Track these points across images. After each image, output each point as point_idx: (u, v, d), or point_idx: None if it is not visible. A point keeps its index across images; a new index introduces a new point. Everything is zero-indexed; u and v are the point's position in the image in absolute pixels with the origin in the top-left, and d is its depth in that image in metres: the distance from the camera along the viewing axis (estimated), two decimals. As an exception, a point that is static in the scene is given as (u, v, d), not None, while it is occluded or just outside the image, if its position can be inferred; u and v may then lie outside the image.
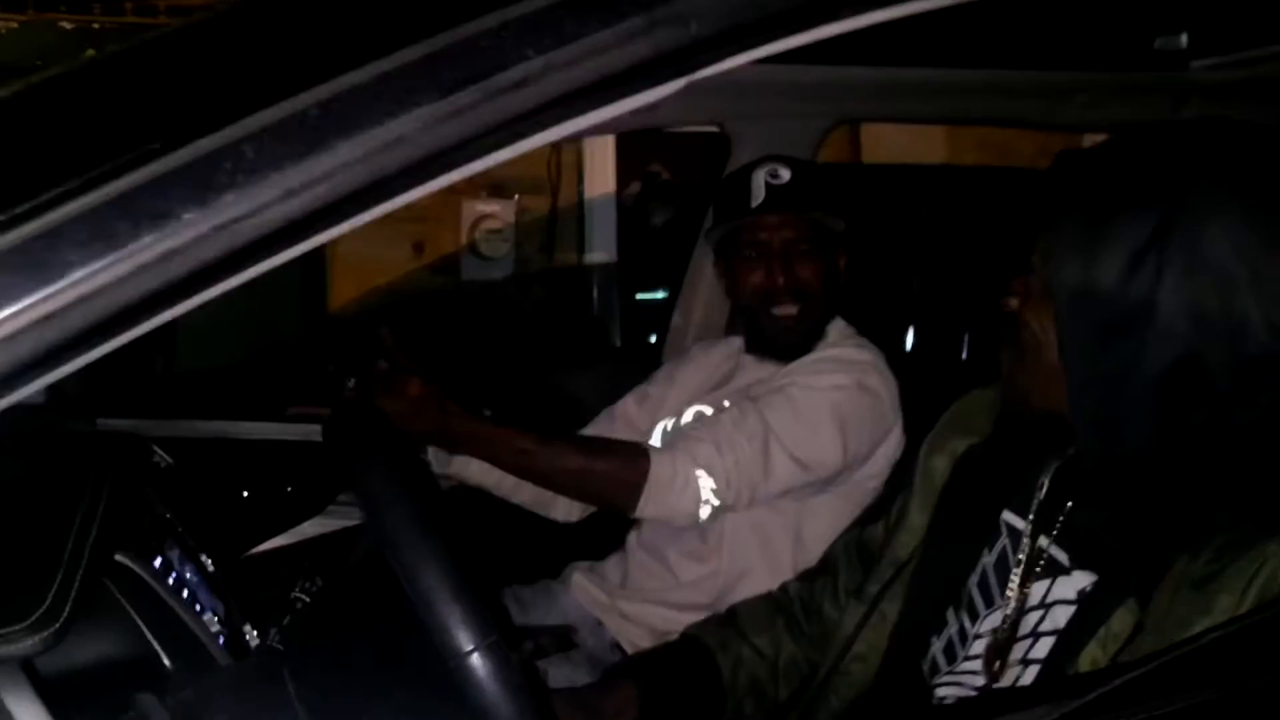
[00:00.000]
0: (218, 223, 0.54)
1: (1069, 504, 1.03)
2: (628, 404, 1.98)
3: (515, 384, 2.53)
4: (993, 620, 1.05)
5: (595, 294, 4.38)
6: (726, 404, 1.83)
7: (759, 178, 1.82)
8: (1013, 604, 1.03)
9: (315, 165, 0.56)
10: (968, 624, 1.08)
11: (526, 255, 4.36)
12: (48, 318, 0.53)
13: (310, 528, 2.07)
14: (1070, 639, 0.95)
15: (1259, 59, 1.97)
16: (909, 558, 1.17)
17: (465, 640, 0.78)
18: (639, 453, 1.67)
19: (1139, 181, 0.92)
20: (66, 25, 3.76)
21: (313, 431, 2.04)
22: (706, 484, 1.64)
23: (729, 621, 1.37)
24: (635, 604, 1.84)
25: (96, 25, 3.79)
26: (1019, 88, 2.08)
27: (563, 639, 1.76)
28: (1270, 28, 1.91)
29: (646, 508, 1.64)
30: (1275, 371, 0.88)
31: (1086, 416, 0.95)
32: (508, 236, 4.28)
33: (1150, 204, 0.90)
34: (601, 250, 4.41)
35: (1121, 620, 0.90)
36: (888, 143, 4.40)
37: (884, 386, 1.78)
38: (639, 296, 4.37)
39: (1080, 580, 0.99)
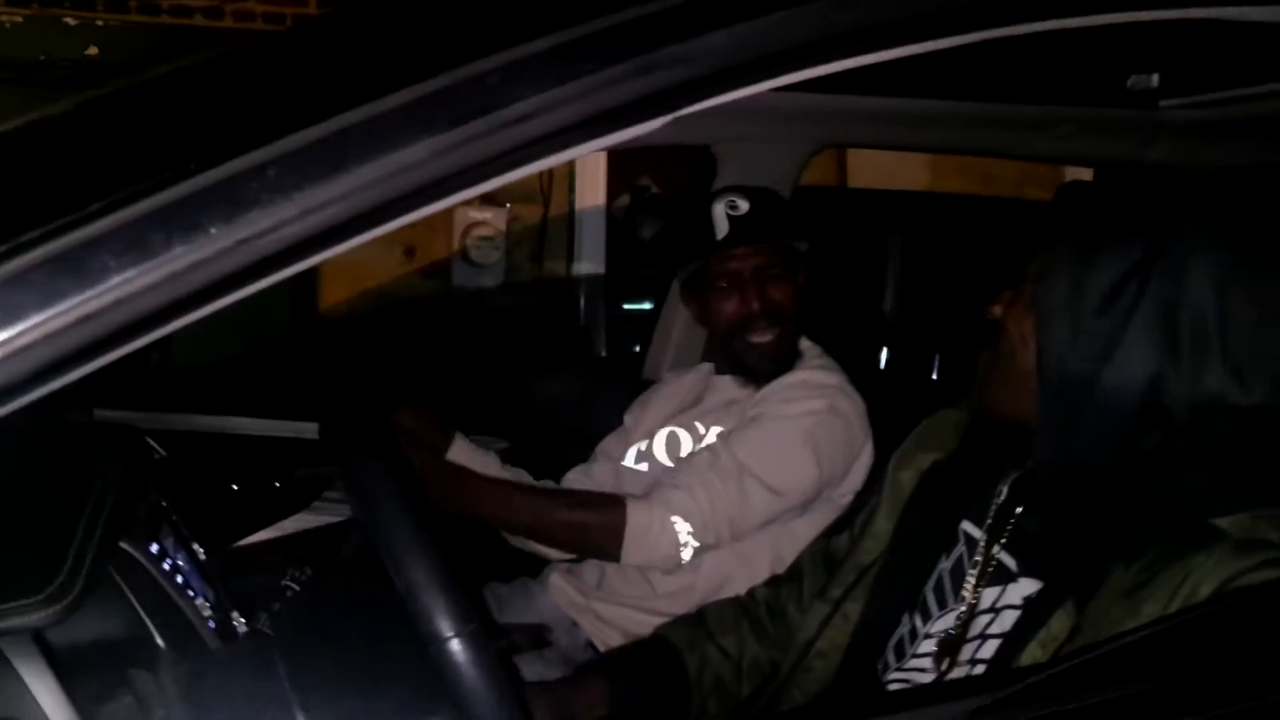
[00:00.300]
0: (241, 237, 0.60)
1: (1019, 510, 1.10)
2: (609, 440, 2.06)
3: (499, 390, 2.60)
4: (944, 622, 1.12)
5: (582, 303, 4.45)
6: (698, 425, 1.90)
7: (719, 211, 1.88)
8: (964, 607, 1.10)
9: (333, 187, 0.62)
10: (919, 624, 1.15)
11: (516, 263, 4.43)
12: (87, 318, 0.59)
13: (293, 523, 2.12)
14: (1014, 641, 1.02)
15: (1227, 101, 2.05)
16: (872, 562, 1.24)
17: (446, 627, 0.84)
18: (616, 505, 1.75)
19: (1131, 215, 1.00)
20: (70, 21, 3.81)
21: (300, 428, 2.10)
22: (684, 528, 1.73)
23: (697, 622, 1.43)
24: (611, 607, 1.90)
25: (100, 22, 3.84)
26: (998, 120, 2.15)
27: (537, 637, 1.82)
28: (1237, 72, 2.00)
29: (629, 556, 1.73)
30: (1225, 414, 0.95)
31: (1054, 425, 1.01)
32: (498, 244, 4.34)
33: (1138, 236, 0.98)
34: (590, 260, 4.48)
35: (1060, 622, 0.97)
36: (873, 167, 4.48)
37: (853, 408, 1.85)
38: (626, 307, 4.43)
39: (1027, 587, 1.06)
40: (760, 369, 1.89)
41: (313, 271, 4.24)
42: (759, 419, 1.82)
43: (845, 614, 1.23)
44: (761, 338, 1.88)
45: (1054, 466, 1.03)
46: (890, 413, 1.79)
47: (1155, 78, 2.08)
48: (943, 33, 0.77)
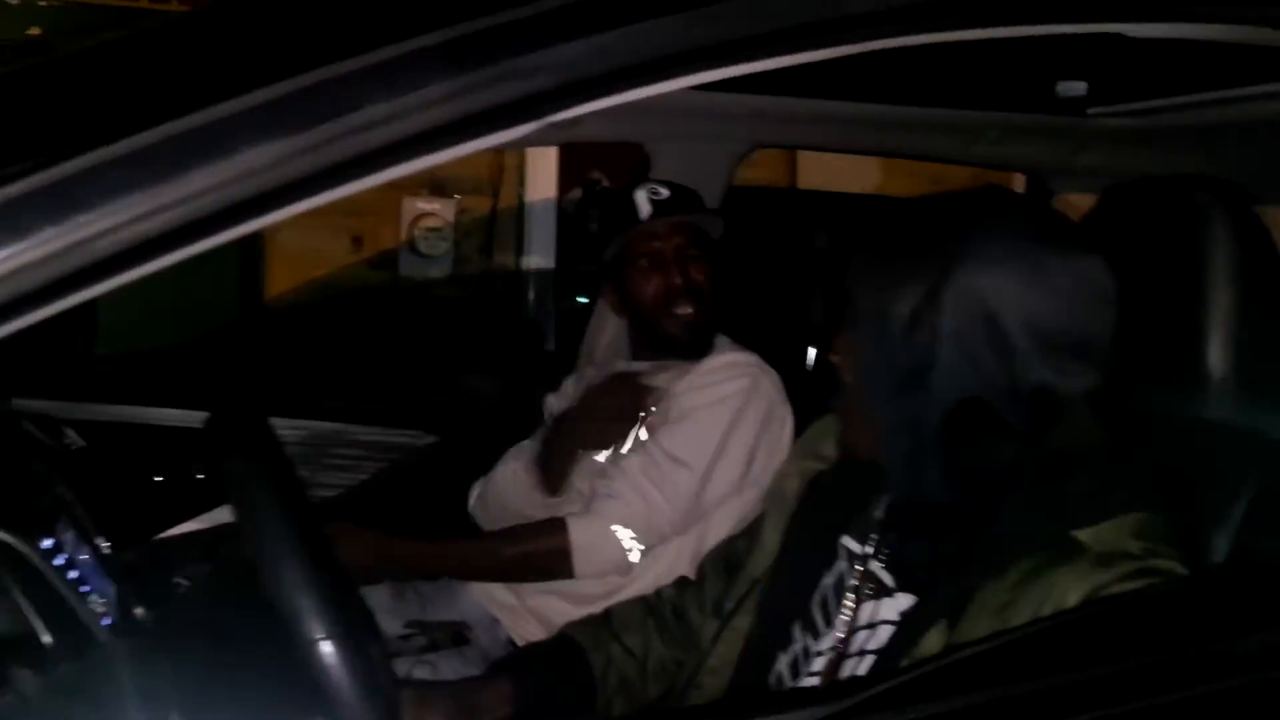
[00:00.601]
0: (74, 240, 0.59)
1: (895, 534, 1.11)
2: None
3: (431, 383, 2.59)
4: (831, 639, 1.12)
5: (531, 296, 4.44)
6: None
7: (641, 195, 1.94)
8: (845, 624, 1.11)
9: (171, 190, 0.62)
10: (810, 643, 1.15)
11: (465, 255, 4.40)
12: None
13: (218, 516, 2.10)
14: (888, 657, 1.02)
15: (1154, 110, 2.07)
16: (761, 575, 1.24)
17: (314, 629, 0.84)
18: (557, 528, 1.81)
19: (917, 248, 1.02)
20: (12, 1, 3.75)
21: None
22: (625, 534, 1.79)
23: (603, 622, 1.43)
24: (536, 596, 1.90)
25: (43, 2, 3.79)
26: (929, 124, 2.16)
27: (457, 634, 1.82)
28: (1165, 81, 2.02)
29: (582, 571, 1.80)
30: (1061, 409, 0.99)
31: (897, 462, 1.03)
32: (446, 235, 4.32)
33: (926, 267, 1.00)
34: (540, 254, 4.46)
35: (932, 641, 0.97)
36: (823, 167, 4.50)
37: (773, 383, 1.91)
38: (578, 300, 4.42)
39: (902, 602, 1.07)
40: (683, 341, 1.93)
41: (259, 259, 4.24)
42: (686, 413, 1.85)
43: (735, 628, 1.23)
44: (684, 309, 1.92)
45: (909, 501, 1.05)
46: (816, 412, 1.81)
47: (1083, 85, 2.11)
48: (799, 48, 0.77)
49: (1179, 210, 1.23)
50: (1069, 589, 0.90)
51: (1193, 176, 1.30)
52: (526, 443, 2.03)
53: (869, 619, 1.09)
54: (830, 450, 1.25)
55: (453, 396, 2.43)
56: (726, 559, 1.38)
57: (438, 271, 4.32)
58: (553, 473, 1.93)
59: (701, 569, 1.43)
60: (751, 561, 1.27)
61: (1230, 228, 1.18)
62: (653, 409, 1.89)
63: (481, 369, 2.63)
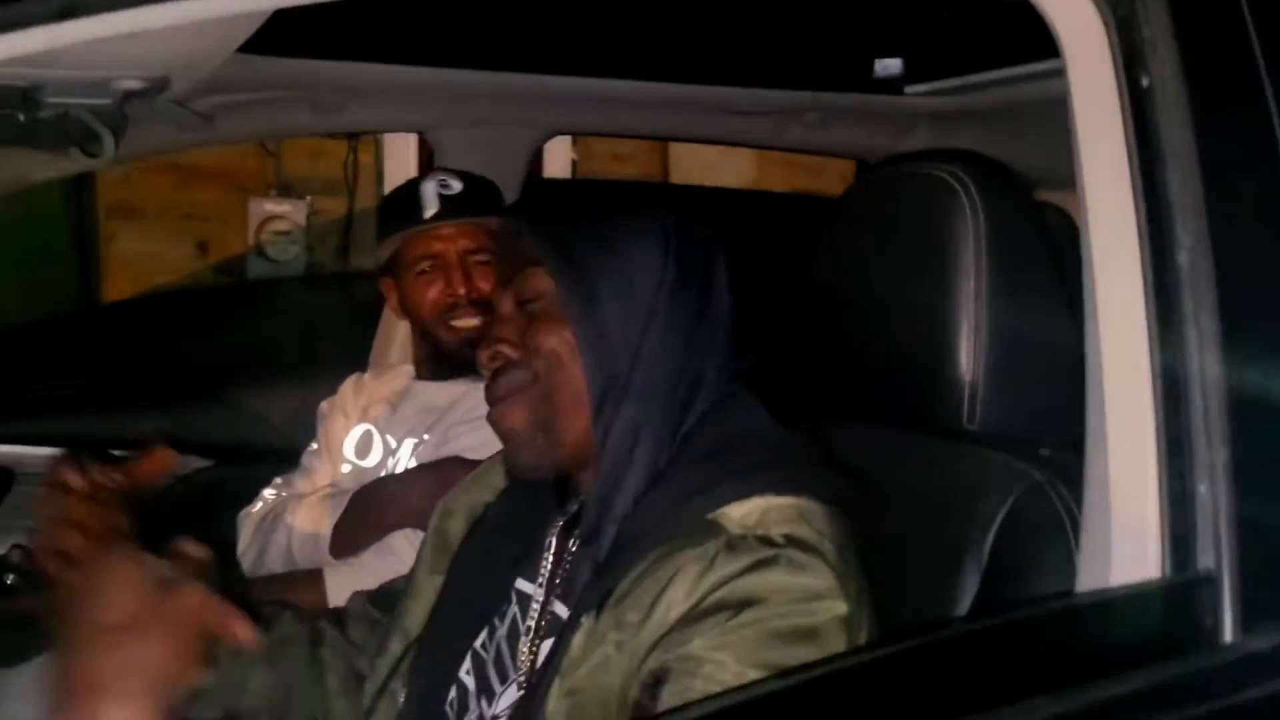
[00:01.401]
0: None
1: (568, 556, 0.98)
2: (310, 452, 1.86)
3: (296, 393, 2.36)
4: (511, 694, 0.95)
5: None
6: (389, 437, 1.73)
7: (429, 188, 1.73)
8: (524, 669, 0.94)
9: None
10: (486, 708, 0.97)
11: (319, 259, 4.18)
12: None
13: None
14: (542, 676, 0.89)
15: (970, 87, 1.94)
16: (419, 633, 1.06)
17: None
18: (315, 581, 1.59)
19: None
20: None
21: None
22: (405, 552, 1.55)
23: None
24: None
25: None
26: (739, 106, 2.01)
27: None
28: (979, 56, 1.89)
29: None
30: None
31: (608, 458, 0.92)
32: (297, 239, 4.09)
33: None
34: (400, 255, 4.25)
35: (582, 642, 0.87)
36: (696, 159, 4.36)
37: None
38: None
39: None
40: (461, 356, 1.69)
41: (94, 264, 3.95)
42: (461, 450, 1.64)
43: (392, 694, 1.04)
44: (465, 321, 1.71)
45: (601, 500, 0.93)
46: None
47: (899, 62, 1.97)
48: None
49: (929, 190, 1.07)
50: (689, 567, 0.83)
51: (951, 152, 1.15)
52: (295, 477, 1.82)
53: (548, 657, 0.93)
54: (499, 479, 1.08)
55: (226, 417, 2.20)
56: (379, 603, 1.16)
57: (289, 276, 4.08)
58: (349, 541, 1.64)
59: (346, 610, 1.19)
60: (404, 615, 1.09)
61: (977, 210, 1.02)
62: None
63: (245, 385, 2.35)
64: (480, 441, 1.60)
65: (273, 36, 1.23)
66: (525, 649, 0.96)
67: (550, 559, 0.99)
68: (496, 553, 1.04)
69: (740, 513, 0.86)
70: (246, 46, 1.24)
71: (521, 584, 1.01)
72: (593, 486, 0.94)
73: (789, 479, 0.89)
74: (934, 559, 0.97)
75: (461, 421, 1.67)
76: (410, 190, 1.75)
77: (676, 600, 0.82)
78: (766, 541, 0.83)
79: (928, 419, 1.05)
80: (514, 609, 1.00)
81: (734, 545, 0.83)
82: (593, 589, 0.90)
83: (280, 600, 1.35)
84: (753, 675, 0.77)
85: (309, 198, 4.15)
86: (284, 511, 1.69)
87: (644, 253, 0.95)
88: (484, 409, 1.65)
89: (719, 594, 0.81)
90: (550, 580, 0.98)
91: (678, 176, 4.49)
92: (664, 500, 0.90)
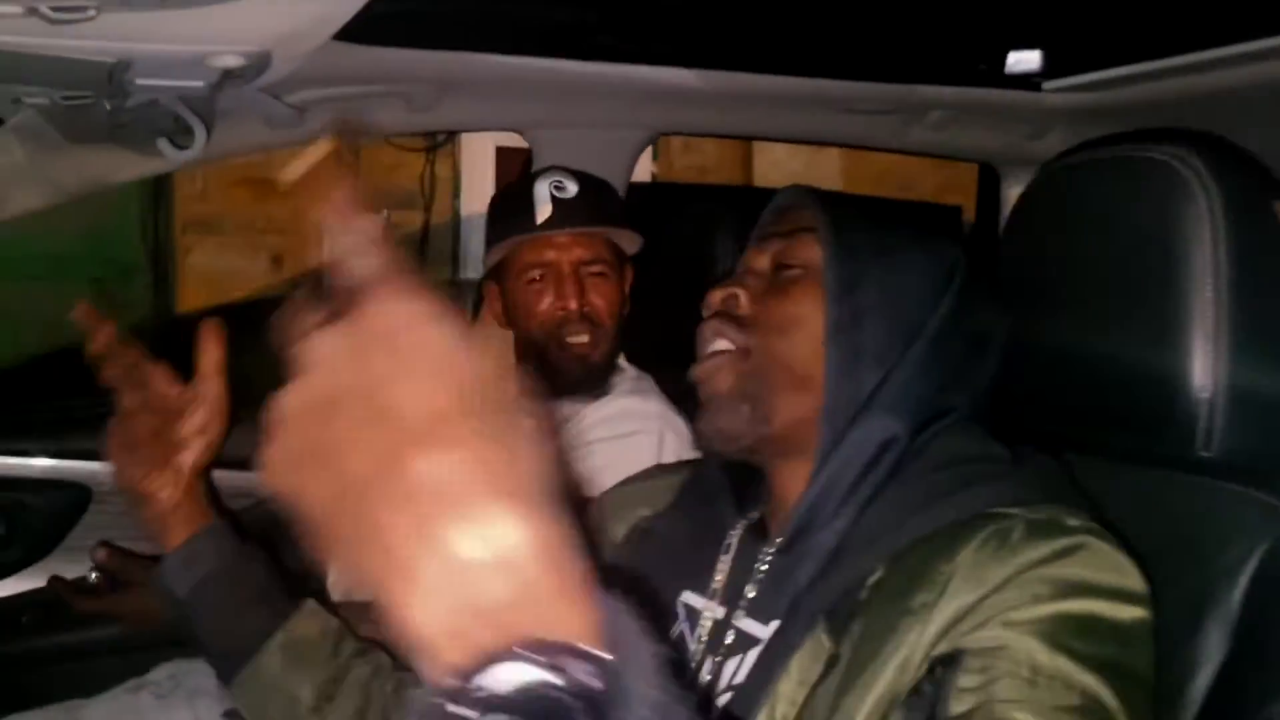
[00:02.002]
0: None
1: (760, 572, 0.90)
2: None
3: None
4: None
5: (470, 313, 4.13)
6: None
7: (542, 190, 1.59)
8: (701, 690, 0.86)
9: None
10: None
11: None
12: None
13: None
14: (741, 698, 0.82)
15: (1115, 81, 1.77)
16: None
17: None
18: None
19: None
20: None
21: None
22: None
23: None
24: None
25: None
26: (862, 102, 1.86)
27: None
28: (1121, 49, 1.72)
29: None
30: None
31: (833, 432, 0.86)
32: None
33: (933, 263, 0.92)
34: (476, 269, 4.16)
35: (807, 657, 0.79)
36: (779, 171, 4.21)
37: (681, 442, 1.55)
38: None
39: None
40: (573, 377, 1.57)
41: (170, 278, 3.91)
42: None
43: None
44: (577, 338, 1.57)
45: (814, 505, 0.86)
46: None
47: (1037, 55, 1.81)
48: None
49: (1150, 176, 0.91)
50: (975, 554, 0.77)
51: (1167, 132, 0.98)
52: None
53: (730, 678, 0.86)
54: (659, 499, 1.01)
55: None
56: None
57: (363, 290, 4.00)
58: None
59: None
60: None
61: (1212, 199, 0.86)
62: None
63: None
64: (587, 471, 1.47)
65: (369, 26, 1.13)
66: (707, 668, 0.86)
67: (727, 569, 0.91)
68: (660, 566, 0.95)
69: (1028, 507, 0.79)
70: (343, 34, 1.13)
71: (690, 597, 0.92)
72: (796, 485, 0.87)
73: (1043, 487, 0.82)
74: (1168, 616, 0.80)
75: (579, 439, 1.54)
76: (522, 190, 1.61)
77: (963, 589, 0.76)
78: (1064, 528, 0.77)
79: (1151, 445, 0.89)
80: (682, 625, 0.92)
81: (1034, 529, 0.77)
82: (813, 600, 0.82)
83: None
84: (1063, 663, 0.71)
85: (386, 211, 4.08)
86: None
87: (923, 276, 0.90)
88: (593, 433, 1.55)
89: (1025, 578, 0.75)
90: (728, 592, 0.90)
91: (762, 184, 4.35)
92: (901, 506, 0.84)
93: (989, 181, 2.26)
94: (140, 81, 1.04)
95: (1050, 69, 1.81)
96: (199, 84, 1.06)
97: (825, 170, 4.29)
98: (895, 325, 0.87)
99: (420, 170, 4.14)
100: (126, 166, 1.49)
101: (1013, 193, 2.09)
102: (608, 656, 0.41)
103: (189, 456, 1.15)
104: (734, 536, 0.93)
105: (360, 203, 0.53)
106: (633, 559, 0.98)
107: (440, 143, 4.15)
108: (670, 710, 0.41)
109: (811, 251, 0.90)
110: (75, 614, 1.54)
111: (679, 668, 0.71)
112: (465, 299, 2.01)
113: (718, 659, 0.87)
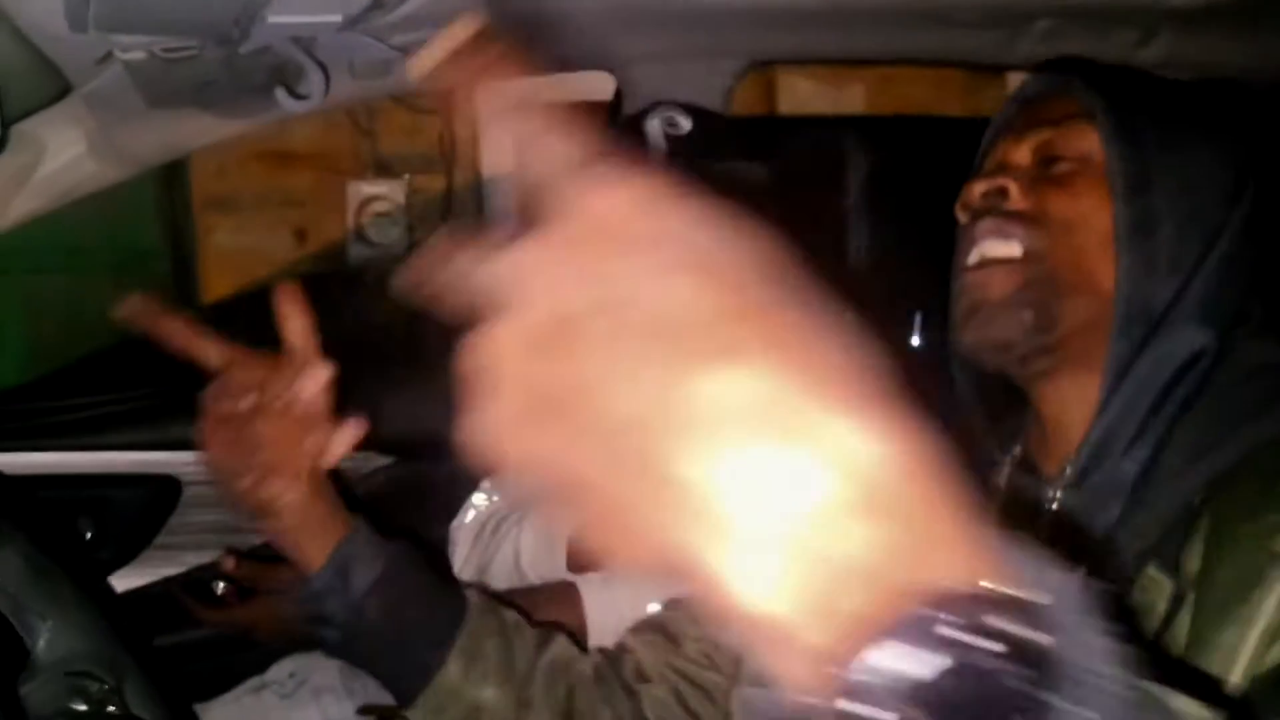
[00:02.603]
0: None
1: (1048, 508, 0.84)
2: None
3: (408, 382, 2.15)
4: None
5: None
6: None
7: (654, 128, 1.50)
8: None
9: None
10: None
11: (420, 240, 3.97)
12: None
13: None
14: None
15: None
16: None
17: None
18: (571, 595, 1.39)
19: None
20: None
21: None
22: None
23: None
24: None
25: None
26: (964, 15, 1.74)
27: None
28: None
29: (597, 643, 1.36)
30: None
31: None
32: (398, 220, 3.88)
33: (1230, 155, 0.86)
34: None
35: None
36: (802, 101, 4.07)
37: None
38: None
39: None
40: None
41: (191, 261, 3.79)
42: None
43: None
44: None
45: (1110, 430, 0.80)
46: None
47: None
48: None
49: None
50: None
51: None
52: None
53: None
54: None
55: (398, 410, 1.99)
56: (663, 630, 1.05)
57: (391, 260, 3.88)
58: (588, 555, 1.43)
59: (621, 644, 1.09)
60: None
61: None
62: None
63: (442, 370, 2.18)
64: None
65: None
66: None
67: (996, 514, 0.85)
68: None
69: None
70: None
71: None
72: (1079, 409, 0.81)
73: None
74: None
75: None
76: (633, 132, 1.52)
77: None
78: None
79: None
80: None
81: None
82: (1128, 538, 0.76)
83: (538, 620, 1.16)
84: None
85: (407, 176, 3.94)
86: (503, 522, 1.47)
87: (1222, 168, 0.83)
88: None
89: None
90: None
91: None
92: (1217, 422, 0.78)
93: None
94: (273, 20, 0.92)
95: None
96: (336, 18, 0.95)
97: (849, 95, 4.17)
98: (1192, 226, 0.80)
99: (440, 131, 4.00)
100: (209, 130, 1.38)
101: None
102: (1044, 600, 0.30)
103: (308, 447, 1.00)
104: (1000, 475, 0.86)
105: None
106: None
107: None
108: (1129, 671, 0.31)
109: (1088, 142, 0.83)
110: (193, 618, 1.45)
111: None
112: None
113: None
